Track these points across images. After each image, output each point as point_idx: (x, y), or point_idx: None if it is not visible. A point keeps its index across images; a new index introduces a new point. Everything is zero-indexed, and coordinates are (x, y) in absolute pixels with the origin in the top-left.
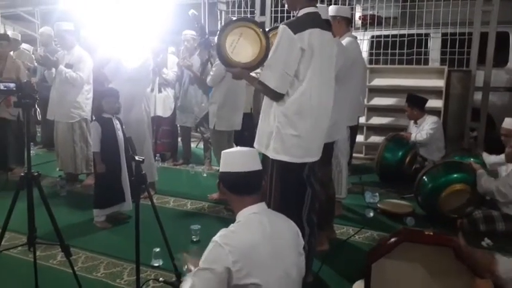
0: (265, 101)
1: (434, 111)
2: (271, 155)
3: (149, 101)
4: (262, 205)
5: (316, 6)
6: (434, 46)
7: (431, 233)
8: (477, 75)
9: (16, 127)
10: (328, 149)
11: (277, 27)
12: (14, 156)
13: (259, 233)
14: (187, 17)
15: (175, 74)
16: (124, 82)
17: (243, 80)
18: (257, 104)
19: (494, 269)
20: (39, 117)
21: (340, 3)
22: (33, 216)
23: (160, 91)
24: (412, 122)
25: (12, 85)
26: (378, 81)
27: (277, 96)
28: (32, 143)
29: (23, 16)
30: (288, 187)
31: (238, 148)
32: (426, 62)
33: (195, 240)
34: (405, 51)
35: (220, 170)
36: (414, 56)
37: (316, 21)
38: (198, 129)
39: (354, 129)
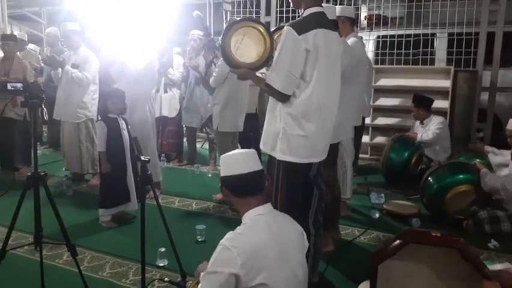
0: (271, 102)
1: (440, 112)
2: (278, 156)
3: (153, 102)
4: (267, 206)
5: (322, 6)
6: (441, 46)
7: (438, 234)
8: (484, 75)
9: (22, 127)
10: (334, 149)
11: (281, 28)
12: (20, 156)
13: (265, 235)
14: (192, 17)
15: (180, 74)
16: (129, 83)
17: (246, 80)
18: (262, 105)
19: None
20: (46, 117)
21: (346, 3)
22: (40, 216)
23: (165, 91)
24: (418, 122)
25: (19, 85)
26: (384, 82)
27: (284, 98)
28: (38, 143)
29: (30, 16)
30: (294, 188)
31: (237, 150)
32: (432, 62)
33: (200, 240)
34: (411, 51)
35: (221, 174)
36: (420, 56)
37: (321, 22)
38: (204, 130)
39: (360, 130)
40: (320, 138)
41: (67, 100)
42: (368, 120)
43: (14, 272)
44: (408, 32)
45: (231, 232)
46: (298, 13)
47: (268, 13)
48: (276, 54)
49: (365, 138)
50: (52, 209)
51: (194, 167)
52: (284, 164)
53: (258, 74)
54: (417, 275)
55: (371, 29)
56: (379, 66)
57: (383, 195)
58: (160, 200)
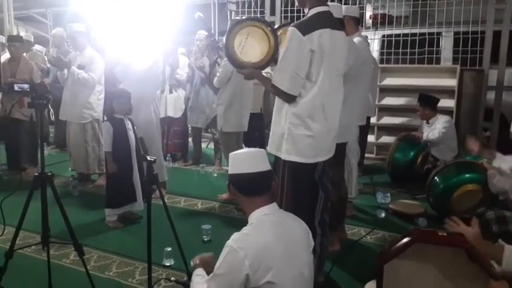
0: (277, 102)
1: (446, 111)
2: (283, 156)
3: (159, 103)
4: (273, 206)
5: (328, 5)
6: (446, 45)
7: (444, 234)
8: (490, 74)
9: (29, 127)
10: (341, 149)
11: (285, 24)
12: (26, 156)
13: (272, 234)
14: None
15: (186, 74)
16: (134, 83)
17: (250, 80)
18: (267, 105)
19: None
20: (52, 118)
21: (350, 3)
22: (47, 216)
23: (171, 92)
24: (424, 121)
25: (26, 86)
26: (389, 81)
27: (290, 98)
28: (45, 144)
29: (36, 18)
30: (300, 188)
31: (246, 149)
32: (438, 61)
33: (205, 240)
34: (416, 50)
35: (229, 172)
36: (426, 55)
37: (327, 21)
38: (209, 130)
39: (365, 129)
40: (325, 138)
41: (73, 101)
42: (373, 120)
43: (21, 272)
44: (413, 31)
45: (237, 233)
46: (303, 12)
47: (273, 13)
48: (281, 55)
49: (371, 138)
50: (59, 209)
51: (199, 167)
52: (289, 164)
53: (262, 73)
54: (424, 274)
55: (376, 28)
56: (384, 65)
57: (389, 194)
58: (165, 200)
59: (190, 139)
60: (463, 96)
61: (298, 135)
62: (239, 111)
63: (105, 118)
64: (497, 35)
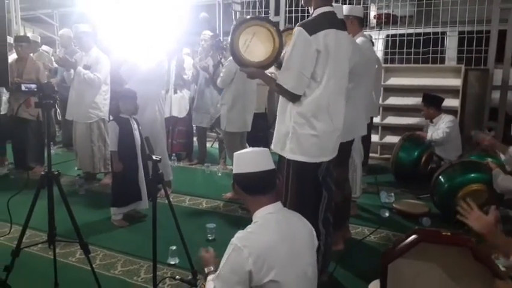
0: (281, 102)
1: (450, 111)
2: (288, 155)
3: (163, 102)
4: (278, 204)
5: (332, 5)
6: (451, 45)
7: (449, 233)
8: (495, 73)
9: (35, 127)
10: (345, 149)
11: (290, 28)
12: (33, 156)
13: (276, 233)
14: (200, 18)
15: (191, 74)
16: (139, 83)
17: (253, 81)
18: (271, 104)
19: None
20: (59, 118)
21: (355, 2)
22: (54, 215)
23: (175, 92)
24: (428, 121)
25: (33, 86)
26: (393, 81)
27: (295, 98)
28: (51, 143)
29: (42, 18)
30: (304, 187)
31: (251, 149)
32: (442, 60)
33: (210, 238)
34: (421, 50)
35: (234, 172)
36: (430, 55)
37: (332, 22)
38: (214, 130)
39: (368, 129)
40: (329, 137)
41: (79, 101)
42: (377, 120)
43: (28, 270)
44: (418, 30)
45: (241, 231)
46: (308, 13)
47: (277, 13)
48: (287, 54)
49: (375, 138)
50: (65, 207)
51: (204, 166)
52: (294, 163)
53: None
54: (428, 274)
55: (380, 28)
56: (388, 65)
57: (392, 194)
58: (171, 199)
59: (195, 139)
60: (467, 96)
61: (303, 135)
62: (242, 111)
63: (111, 118)
64: (502, 35)
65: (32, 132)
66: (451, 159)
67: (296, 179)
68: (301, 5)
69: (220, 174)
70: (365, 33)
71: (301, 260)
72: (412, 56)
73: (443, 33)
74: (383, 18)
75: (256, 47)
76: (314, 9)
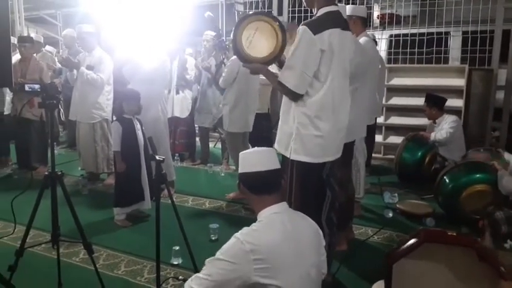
0: (285, 102)
1: (454, 111)
2: (292, 156)
3: (166, 102)
4: (283, 205)
5: (337, 5)
6: (455, 44)
7: (454, 234)
8: (499, 73)
9: (39, 127)
10: (349, 149)
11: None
12: (37, 156)
13: (280, 233)
14: (204, 18)
15: (193, 75)
16: (142, 83)
17: (256, 81)
18: (274, 105)
19: None
20: (62, 118)
21: (358, 2)
22: (57, 215)
23: (177, 93)
24: (432, 122)
25: (36, 86)
26: (397, 81)
27: (296, 97)
28: (54, 143)
29: (46, 19)
30: (308, 188)
31: (256, 148)
32: (446, 60)
33: (213, 239)
34: (424, 50)
35: (240, 171)
36: (434, 55)
37: (336, 21)
38: (216, 130)
39: (372, 129)
40: (333, 138)
41: (82, 101)
42: (381, 120)
43: (31, 270)
44: (421, 30)
45: (246, 228)
46: (311, 13)
47: (280, 13)
48: (290, 52)
49: (378, 138)
50: (69, 207)
51: (207, 166)
52: (298, 163)
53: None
54: (433, 274)
55: (384, 28)
56: (392, 65)
57: (396, 194)
58: (174, 199)
59: (197, 139)
60: (471, 96)
61: (307, 135)
62: (244, 112)
63: (114, 118)
64: (506, 34)
65: (35, 133)
66: (455, 160)
67: (300, 179)
68: (304, 5)
69: (223, 175)
70: (368, 33)
71: (305, 261)
72: (416, 56)
73: (447, 33)
74: (387, 18)
75: (259, 42)
76: (318, 9)
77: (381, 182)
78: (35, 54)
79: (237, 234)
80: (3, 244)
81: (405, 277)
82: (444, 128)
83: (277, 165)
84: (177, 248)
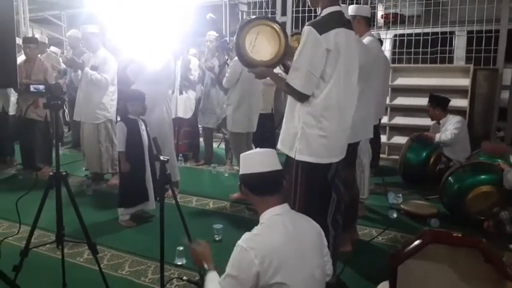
0: (289, 102)
1: (459, 111)
2: (296, 156)
3: (170, 103)
4: (285, 206)
5: (340, 5)
6: (459, 44)
7: (460, 235)
8: (504, 73)
9: (43, 127)
10: (353, 149)
11: (298, 33)
12: (41, 156)
13: (282, 235)
14: (207, 19)
15: (197, 75)
16: (146, 83)
17: (259, 81)
18: (278, 105)
19: None
20: (67, 118)
21: (362, 2)
22: (62, 215)
23: (181, 93)
24: (436, 122)
25: (41, 87)
26: (401, 81)
27: (303, 98)
28: (59, 143)
29: (50, 20)
30: (313, 188)
31: (257, 149)
32: (451, 60)
33: (217, 239)
34: (429, 49)
35: (241, 172)
36: (439, 55)
37: (340, 21)
38: (220, 130)
39: (376, 129)
40: (338, 138)
41: (87, 101)
42: (385, 120)
43: (36, 270)
44: (426, 30)
45: (248, 233)
46: (315, 13)
47: (284, 13)
48: (296, 53)
49: (382, 138)
50: (73, 208)
51: (211, 166)
52: (302, 164)
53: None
54: (438, 275)
55: (388, 28)
56: (396, 65)
57: (400, 195)
58: (177, 199)
59: (201, 139)
60: (476, 96)
61: (312, 135)
62: (248, 112)
63: (118, 119)
64: (511, 34)
65: (40, 133)
66: (460, 160)
67: (305, 179)
68: (308, 5)
69: (226, 175)
70: (372, 32)
71: (309, 261)
72: (420, 56)
73: (452, 32)
74: (391, 18)
75: (262, 45)
76: (322, 9)
77: (385, 183)
78: (39, 55)
79: (240, 242)
80: (8, 244)
81: (410, 278)
82: (449, 128)
83: (279, 166)
84: (181, 248)
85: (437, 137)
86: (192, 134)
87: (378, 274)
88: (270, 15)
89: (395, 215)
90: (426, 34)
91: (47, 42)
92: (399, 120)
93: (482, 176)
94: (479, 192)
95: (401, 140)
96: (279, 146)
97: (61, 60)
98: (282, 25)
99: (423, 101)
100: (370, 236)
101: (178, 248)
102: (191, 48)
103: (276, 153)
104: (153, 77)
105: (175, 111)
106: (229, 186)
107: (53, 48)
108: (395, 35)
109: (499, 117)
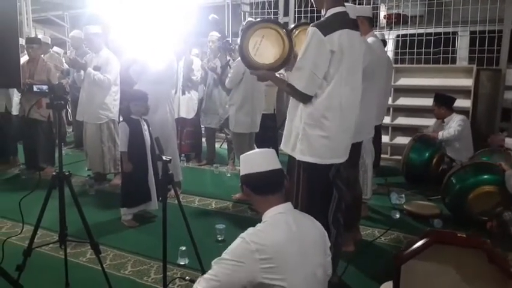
0: (292, 102)
1: (462, 111)
2: (298, 156)
3: (173, 103)
4: (288, 205)
5: (345, 6)
6: (462, 44)
7: (463, 235)
8: (507, 73)
9: (46, 127)
10: (356, 149)
11: (302, 24)
12: (44, 156)
13: (285, 233)
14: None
15: (199, 75)
16: (149, 84)
17: (265, 81)
18: (280, 105)
19: None
20: (70, 118)
21: (364, 3)
22: (65, 215)
23: (183, 93)
24: (438, 122)
25: (44, 87)
26: (404, 81)
27: (306, 98)
28: (62, 143)
29: (53, 20)
30: (315, 188)
31: (256, 150)
32: (453, 61)
33: (220, 239)
34: (431, 50)
35: (241, 173)
36: (441, 55)
37: (345, 22)
38: (222, 130)
39: (377, 130)
40: (341, 139)
41: (89, 101)
42: (388, 120)
43: (39, 269)
44: (428, 30)
45: (251, 228)
46: (317, 13)
47: (286, 14)
48: (300, 54)
49: (385, 139)
50: (76, 208)
51: (213, 166)
52: (305, 164)
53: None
54: (442, 275)
55: (391, 28)
56: (399, 65)
57: (403, 195)
58: (180, 199)
59: (203, 139)
60: (479, 97)
61: (314, 136)
62: (250, 112)
63: (121, 119)
64: None
65: (43, 133)
66: (462, 160)
67: (307, 180)
68: (311, 5)
69: (229, 175)
70: (376, 33)
71: (310, 260)
72: (423, 56)
73: (454, 33)
74: (393, 18)
75: (266, 49)
76: (327, 10)
77: (388, 183)
78: (42, 55)
79: (243, 235)
80: (11, 244)
81: (413, 278)
82: (452, 126)
83: (279, 165)
84: (184, 248)
85: (440, 134)
86: (194, 134)
87: (381, 274)
88: (272, 16)
89: (397, 215)
90: (429, 34)
91: (50, 42)
92: (402, 120)
93: (484, 176)
94: (480, 192)
95: (403, 140)
96: (281, 146)
97: (64, 61)
98: (286, 27)
99: (426, 102)
100: (373, 236)
101: (180, 248)
102: (193, 48)
103: (275, 153)
104: (156, 77)
105: (178, 112)
106: (232, 186)
107: (56, 49)
108: (398, 36)
109: (502, 117)
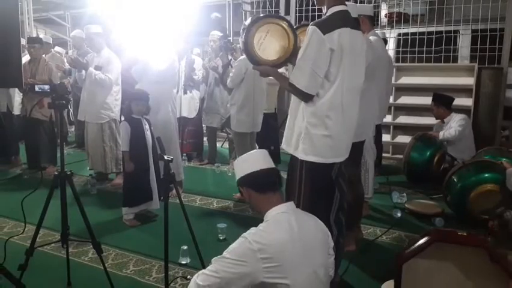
0: (293, 101)
1: (464, 110)
2: (301, 156)
3: (175, 102)
4: (290, 204)
5: (346, 4)
6: (464, 43)
7: (465, 234)
8: (509, 72)
9: (48, 127)
10: (358, 148)
11: (303, 25)
12: (46, 156)
13: (287, 233)
14: (211, 18)
15: (201, 75)
16: (151, 83)
17: (263, 81)
18: (281, 104)
19: None
20: (72, 118)
21: (366, 1)
22: (66, 214)
23: (185, 93)
24: (439, 121)
25: (46, 87)
26: (405, 80)
27: (307, 97)
28: (64, 143)
29: (54, 20)
30: (317, 188)
31: (248, 152)
32: (455, 59)
33: (221, 238)
34: (433, 48)
35: (239, 176)
36: (443, 54)
37: (345, 20)
38: (224, 130)
39: (378, 129)
40: (343, 138)
41: (91, 101)
42: (389, 119)
43: (41, 269)
44: (430, 29)
45: (254, 228)
46: (318, 12)
47: (287, 12)
48: (300, 53)
49: (386, 137)
50: (78, 207)
51: (214, 166)
52: (307, 163)
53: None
54: (443, 274)
55: (392, 27)
56: (400, 64)
57: (405, 194)
58: (181, 199)
59: (205, 139)
60: (481, 95)
61: (316, 135)
62: (252, 112)
63: (122, 118)
64: None
65: (45, 133)
66: (464, 159)
67: (309, 179)
68: (312, 3)
69: (230, 174)
70: (377, 31)
71: (312, 260)
72: (424, 55)
73: (456, 31)
74: (395, 17)
75: (270, 44)
76: (328, 8)
77: (389, 182)
78: (44, 55)
79: (245, 234)
80: (14, 243)
81: (415, 277)
82: (453, 126)
83: (273, 165)
84: (185, 247)
85: (441, 134)
86: (196, 134)
87: (383, 273)
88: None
89: (399, 214)
90: (431, 33)
91: (51, 42)
92: (403, 119)
93: (485, 175)
94: (482, 191)
95: (405, 139)
96: (283, 145)
97: (66, 60)
98: (292, 24)
99: (427, 100)
100: (374, 235)
101: (182, 247)
102: (195, 47)
103: (267, 153)
104: (157, 76)
105: (180, 111)
106: (233, 185)
107: (57, 48)
108: (399, 34)
109: (503, 116)
